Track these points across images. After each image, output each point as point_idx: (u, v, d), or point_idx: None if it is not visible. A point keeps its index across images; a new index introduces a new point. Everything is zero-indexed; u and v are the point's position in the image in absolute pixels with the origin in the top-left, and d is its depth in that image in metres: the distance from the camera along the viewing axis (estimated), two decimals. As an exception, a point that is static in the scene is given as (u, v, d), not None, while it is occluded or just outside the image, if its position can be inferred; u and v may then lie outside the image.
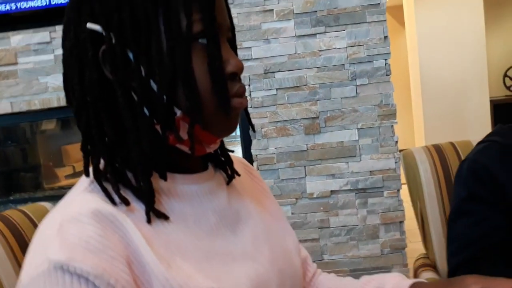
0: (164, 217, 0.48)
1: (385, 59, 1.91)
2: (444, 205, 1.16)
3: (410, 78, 4.22)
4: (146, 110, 0.47)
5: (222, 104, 0.48)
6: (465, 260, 0.83)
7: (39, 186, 2.67)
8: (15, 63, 2.04)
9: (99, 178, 0.47)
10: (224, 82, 0.48)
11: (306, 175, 1.95)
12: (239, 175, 0.61)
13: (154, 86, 0.47)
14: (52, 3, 2.06)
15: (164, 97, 0.46)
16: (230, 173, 0.60)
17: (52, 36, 2.01)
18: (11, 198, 2.47)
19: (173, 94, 0.47)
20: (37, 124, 2.54)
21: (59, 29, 2.00)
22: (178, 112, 0.48)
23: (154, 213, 0.47)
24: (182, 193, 0.51)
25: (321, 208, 1.96)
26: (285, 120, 1.95)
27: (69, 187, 2.08)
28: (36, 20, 2.11)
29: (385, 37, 1.91)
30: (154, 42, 0.46)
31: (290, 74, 1.93)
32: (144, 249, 0.44)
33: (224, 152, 0.61)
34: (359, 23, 1.90)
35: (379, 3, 1.89)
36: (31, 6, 2.07)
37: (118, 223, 0.44)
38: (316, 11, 1.91)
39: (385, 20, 1.90)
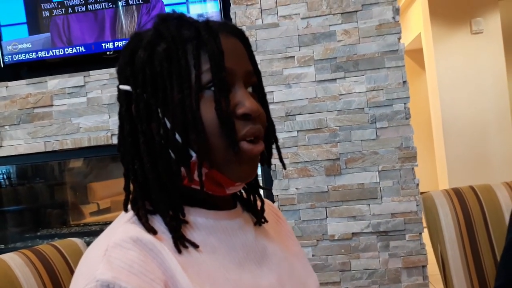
0: (193, 245, 0.52)
1: (405, 103, 1.95)
2: (464, 249, 1.16)
3: (432, 119, 4.22)
4: (165, 152, 0.53)
5: (231, 145, 0.52)
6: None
7: (65, 222, 2.74)
8: (51, 105, 2.16)
9: (137, 210, 0.53)
10: (231, 124, 0.52)
11: (327, 217, 1.97)
12: (266, 221, 0.65)
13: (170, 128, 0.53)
14: (86, 50, 2.20)
15: (179, 139, 0.52)
16: (259, 214, 0.64)
17: (85, 80, 2.14)
18: (38, 234, 2.55)
19: (188, 139, 0.52)
20: (65, 163, 2.64)
21: (92, 73, 2.13)
22: (194, 156, 0.53)
23: (181, 242, 0.51)
24: (212, 227, 0.56)
25: (342, 251, 1.96)
26: (306, 161, 1.98)
27: (94, 224, 2.14)
28: (72, 65, 2.25)
29: (404, 82, 1.96)
30: (169, 94, 0.53)
31: (310, 117, 1.99)
32: (180, 275, 0.48)
33: (254, 193, 0.65)
34: (378, 68, 1.96)
35: (397, 49, 1.96)
36: (68, 53, 2.22)
37: (157, 250, 0.49)
38: (335, 58, 1.99)
39: (403, 66, 1.95)
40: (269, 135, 0.61)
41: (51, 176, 2.78)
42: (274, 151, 0.64)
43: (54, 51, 2.23)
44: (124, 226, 0.52)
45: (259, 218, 0.64)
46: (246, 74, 0.56)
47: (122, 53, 0.57)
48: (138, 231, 0.50)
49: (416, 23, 4.43)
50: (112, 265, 0.45)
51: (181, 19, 0.56)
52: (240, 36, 0.58)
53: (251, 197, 0.65)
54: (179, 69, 0.52)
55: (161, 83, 0.53)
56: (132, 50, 0.56)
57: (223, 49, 0.53)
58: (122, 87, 0.56)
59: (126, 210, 0.56)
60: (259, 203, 0.66)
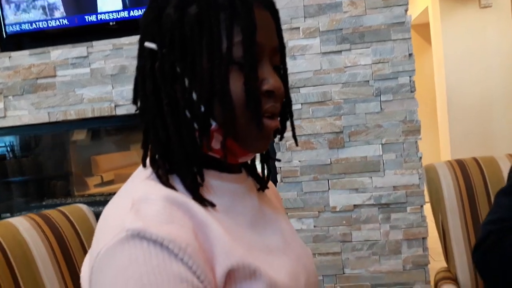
0: (211, 204, 0.54)
1: (410, 76, 1.94)
2: (466, 219, 1.18)
3: (436, 94, 4.20)
4: (188, 118, 0.53)
5: (255, 120, 0.53)
6: (498, 230, 0.85)
7: (70, 193, 2.78)
8: (54, 76, 2.16)
9: (156, 168, 0.54)
10: (258, 100, 0.53)
11: (329, 189, 1.98)
12: (267, 188, 0.68)
13: (195, 98, 0.53)
14: (88, 20, 2.18)
15: (202, 109, 0.52)
16: (262, 181, 0.66)
17: (88, 51, 2.12)
18: (43, 203, 2.58)
19: (210, 108, 0.52)
20: (68, 135, 2.65)
21: (95, 44, 2.11)
22: (214, 124, 0.53)
23: (201, 201, 0.53)
24: (225, 189, 0.58)
25: (344, 222, 1.98)
26: (310, 134, 1.99)
27: (99, 194, 2.16)
28: (75, 36, 2.23)
29: (410, 55, 1.93)
30: (198, 61, 0.52)
31: (315, 89, 1.98)
32: (211, 222, 0.50)
33: (266, 162, 0.67)
34: (384, 40, 1.94)
35: (404, 21, 1.93)
36: (71, 23, 2.20)
37: (187, 205, 0.51)
38: (341, 29, 1.96)
39: (410, 38, 1.93)
40: (285, 110, 0.62)
41: (54, 147, 2.80)
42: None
43: (58, 21, 2.21)
44: (145, 183, 0.53)
45: (263, 185, 0.66)
46: (273, 49, 0.56)
47: (149, 6, 0.56)
48: (165, 188, 0.52)
49: (424, -3, 4.34)
50: (141, 215, 0.46)
51: None
52: (271, 8, 0.57)
53: (258, 164, 0.67)
54: (211, 37, 0.51)
55: (190, 48, 0.52)
56: (160, 6, 0.54)
57: (256, 23, 0.52)
58: (148, 44, 0.54)
59: (144, 166, 0.57)
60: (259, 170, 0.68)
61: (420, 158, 1.94)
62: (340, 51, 1.97)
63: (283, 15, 1.98)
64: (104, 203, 2.42)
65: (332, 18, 1.97)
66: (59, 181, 2.84)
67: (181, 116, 0.53)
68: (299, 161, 1.99)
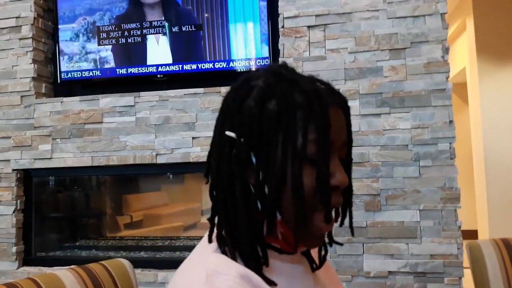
0: (273, 283, 0.55)
1: (450, 143, 1.92)
2: (513, 305, 1.13)
3: (473, 157, 4.11)
4: (256, 205, 0.56)
5: (325, 214, 0.55)
6: None
7: (102, 234, 2.82)
8: (101, 122, 2.26)
9: (223, 245, 0.56)
10: (329, 196, 0.55)
11: (364, 252, 1.94)
12: (318, 267, 0.68)
13: (266, 189, 0.55)
14: (140, 71, 2.30)
15: (271, 199, 0.55)
16: (315, 263, 0.67)
17: (136, 101, 2.22)
18: (77, 243, 2.63)
19: (279, 200, 0.55)
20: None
21: (143, 94, 2.22)
22: (278, 216, 0.56)
23: (264, 278, 0.54)
24: (284, 270, 0.60)
25: (378, 288, 1.92)
26: (345, 195, 1.97)
27: (130, 238, 2.18)
28: (124, 85, 2.36)
29: (451, 121, 1.93)
30: (272, 154, 0.55)
31: (353, 150, 1.98)
32: None
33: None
34: (424, 106, 1.95)
35: (445, 88, 1.94)
36: (122, 73, 2.33)
37: (257, 283, 0.53)
38: (381, 93, 1.99)
39: (450, 105, 1.93)
40: (346, 199, 0.63)
41: (89, 186, 2.88)
42: None
43: (108, 71, 2.34)
44: (216, 256, 0.55)
45: (317, 266, 0.67)
46: (342, 144, 0.59)
47: (231, 96, 0.59)
48: (240, 266, 0.54)
49: (461, 57, 4.36)
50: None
51: (293, 80, 0.57)
52: (344, 106, 0.60)
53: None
54: (287, 134, 0.54)
55: (266, 141, 0.55)
56: (242, 97, 0.58)
57: (331, 124, 0.55)
58: (228, 133, 0.57)
59: (210, 241, 0.59)
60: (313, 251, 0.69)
61: (459, 227, 1.89)
62: (379, 114, 1.99)
63: (323, 77, 2.02)
64: (135, 248, 2.44)
65: (372, 82, 2.00)
66: (92, 220, 2.90)
67: (251, 202, 0.56)
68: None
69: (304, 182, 0.54)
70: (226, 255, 0.55)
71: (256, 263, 0.55)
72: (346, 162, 0.62)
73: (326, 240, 0.67)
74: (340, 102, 0.59)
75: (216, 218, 0.59)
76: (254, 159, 0.56)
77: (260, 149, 0.55)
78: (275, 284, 0.55)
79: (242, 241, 0.56)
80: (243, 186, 0.56)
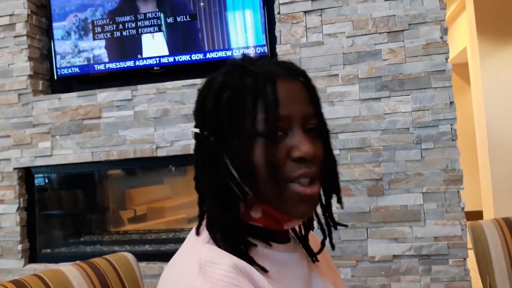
0: (263, 270, 0.56)
1: (451, 124, 1.91)
2: (518, 285, 1.12)
3: (476, 138, 4.09)
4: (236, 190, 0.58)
5: (279, 188, 0.56)
6: None
7: (106, 229, 2.83)
8: (99, 117, 2.25)
9: (214, 234, 0.57)
10: (276, 169, 0.56)
11: (368, 237, 1.94)
12: (317, 260, 0.68)
13: (235, 173, 0.58)
14: (136, 64, 2.28)
15: (238, 180, 0.57)
16: (312, 253, 0.67)
17: (133, 94, 2.21)
18: (81, 239, 2.64)
19: (250, 180, 0.57)
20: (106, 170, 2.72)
21: (140, 88, 2.20)
22: (250, 194, 0.58)
23: (257, 266, 0.55)
24: (275, 259, 0.59)
25: (383, 273, 1.92)
26: (348, 180, 1.97)
27: (134, 232, 2.18)
28: (121, 79, 2.34)
29: (451, 103, 1.91)
30: (231, 138, 0.57)
31: (353, 135, 1.98)
32: None
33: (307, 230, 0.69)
34: (424, 88, 1.93)
35: (444, 70, 1.92)
36: (118, 67, 2.31)
37: (249, 271, 0.53)
38: (380, 76, 1.97)
39: (450, 86, 1.91)
40: (328, 171, 0.62)
41: (91, 182, 2.88)
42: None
43: (104, 65, 2.32)
44: (208, 247, 0.56)
45: (313, 256, 0.67)
46: (304, 117, 0.58)
47: (197, 97, 0.63)
48: (231, 256, 0.54)
49: (462, 37, 4.31)
50: (209, 278, 0.50)
51: (245, 67, 0.59)
52: (301, 77, 0.60)
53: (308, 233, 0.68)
54: (240, 116, 0.56)
55: (224, 129, 0.57)
56: (204, 96, 0.61)
57: (278, 98, 0.56)
58: (193, 129, 0.62)
59: (198, 234, 0.60)
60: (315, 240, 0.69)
61: (463, 208, 1.88)
62: (379, 98, 1.97)
63: (322, 62, 2.01)
64: (140, 242, 2.45)
65: (371, 66, 1.98)
66: (95, 215, 2.91)
67: (222, 189, 0.57)
68: (337, 207, 1.96)
69: (258, 161, 0.55)
70: (217, 244, 0.56)
71: (245, 247, 0.56)
72: (321, 133, 0.61)
73: (330, 228, 0.67)
74: (293, 74, 0.60)
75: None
76: (219, 150, 0.58)
77: (222, 138, 0.58)
78: (266, 271, 0.56)
79: (223, 227, 0.57)
80: (211, 178, 0.58)
